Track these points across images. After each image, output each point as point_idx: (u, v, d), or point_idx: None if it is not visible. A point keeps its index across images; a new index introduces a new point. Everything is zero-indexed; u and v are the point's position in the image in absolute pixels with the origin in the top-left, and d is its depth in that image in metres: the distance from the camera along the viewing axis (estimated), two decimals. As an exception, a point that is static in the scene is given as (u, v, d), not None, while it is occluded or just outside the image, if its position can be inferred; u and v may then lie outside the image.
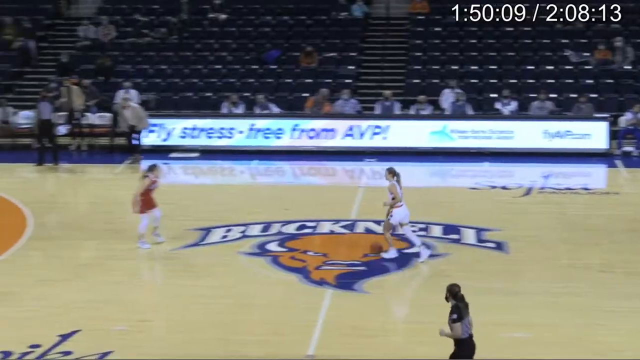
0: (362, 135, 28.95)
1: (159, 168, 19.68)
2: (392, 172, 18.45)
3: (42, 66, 33.16)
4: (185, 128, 29.14)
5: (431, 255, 18.69)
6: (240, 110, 29.69)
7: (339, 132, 28.98)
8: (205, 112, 29.97)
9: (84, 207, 23.83)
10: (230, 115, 29.50)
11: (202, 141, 29.03)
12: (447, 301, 12.06)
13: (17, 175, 26.79)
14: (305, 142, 28.89)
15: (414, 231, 19.92)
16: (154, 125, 28.85)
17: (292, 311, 15.94)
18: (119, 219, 21.53)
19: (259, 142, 28.94)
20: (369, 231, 20.53)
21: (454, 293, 12.00)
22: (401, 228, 18.61)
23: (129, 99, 28.17)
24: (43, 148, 27.20)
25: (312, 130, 28.99)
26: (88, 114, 29.55)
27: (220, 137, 29.06)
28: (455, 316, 11.80)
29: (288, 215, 21.52)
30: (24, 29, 33.59)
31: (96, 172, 27.14)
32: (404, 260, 18.49)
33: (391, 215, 18.37)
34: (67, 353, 14.25)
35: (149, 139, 28.58)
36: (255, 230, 20.50)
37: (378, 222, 20.85)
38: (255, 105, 29.71)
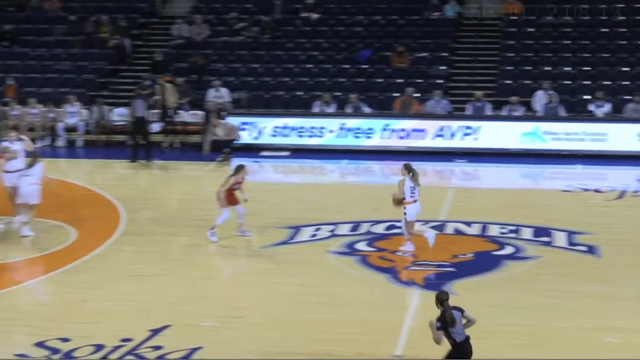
0: (452, 135, 28.81)
1: (246, 169, 19.88)
2: (407, 168, 18.81)
3: (137, 64, 33.62)
4: (276, 127, 29.31)
5: (521, 258, 18.57)
6: (331, 109, 29.76)
7: (430, 133, 28.88)
8: (296, 111, 30.11)
9: (176, 204, 24.09)
10: (320, 115, 29.59)
11: (293, 140, 29.18)
12: (437, 308, 12.28)
13: (111, 172, 27.20)
14: (395, 142, 28.85)
15: (503, 233, 19.85)
16: (245, 123, 29.08)
17: (380, 311, 15.93)
18: (209, 216, 21.71)
19: (349, 141, 28.98)
20: (458, 232, 20.43)
21: (441, 300, 12.28)
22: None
23: (218, 121, 28.20)
24: (137, 145, 27.59)
25: (403, 130, 28.94)
26: (181, 112, 29.89)
27: (310, 136, 29.18)
28: (439, 324, 12.13)
29: (377, 215, 21.50)
30: (119, 28, 34.10)
31: (188, 169, 27.42)
32: (494, 262, 18.36)
33: (405, 213, 18.60)
34: (158, 347, 14.43)
35: (240, 137, 28.75)
36: (345, 229, 20.52)
37: (468, 224, 20.78)
38: (347, 104, 29.75)
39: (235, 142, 27.88)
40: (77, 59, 33.31)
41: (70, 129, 29.93)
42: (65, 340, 14.77)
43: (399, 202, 18.74)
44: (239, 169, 19.77)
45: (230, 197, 19.49)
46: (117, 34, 33.87)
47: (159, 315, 15.77)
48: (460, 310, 12.42)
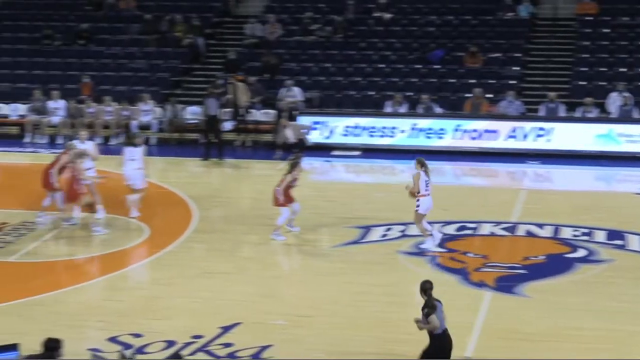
0: (525, 137, 28.58)
1: (300, 165, 19.99)
2: (420, 162, 19.19)
3: (210, 63, 33.86)
4: (348, 126, 29.31)
5: (594, 261, 18.38)
6: (403, 109, 29.70)
7: (502, 134, 28.67)
8: (367, 111, 30.09)
9: (247, 202, 24.21)
10: (392, 115, 29.53)
11: (364, 140, 29.14)
12: (422, 297, 12.73)
13: (184, 170, 27.35)
14: (467, 143, 28.69)
15: (575, 236, 19.71)
16: (317, 123, 29.13)
17: (450, 312, 15.77)
18: (275, 215, 21.81)
19: (421, 141, 28.85)
20: (530, 234, 20.28)
21: (424, 289, 12.75)
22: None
23: (287, 122, 28.26)
24: (209, 143, 27.79)
25: (475, 131, 28.77)
26: (253, 111, 30.04)
27: (382, 136, 29.12)
28: (426, 310, 12.45)
29: (448, 215, 21.41)
30: (193, 27, 34.35)
31: (259, 168, 27.52)
32: (566, 264, 18.19)
33: (418, 206, 18.85)
34: (228, 345, 14.54)
35: (311, 137, 28.84)
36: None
37: (540, 226, 20.62)
38: (419, 104, 29.67)
39: (304, 143, 27.92)
40: (151, 57, 33.64)
41: (143, 127, 30.21)
42: (137, 335, 14.94)
43: (413, 195, 18.81)
44: (294, 165, 19.91)
45: (287, 196, 19.62)
46: (191, 33, 34.12)
47: (230, 313, 15.88)
48: (440, 304, 12.64)
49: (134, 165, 21.15)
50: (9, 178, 26.51)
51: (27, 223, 20.86)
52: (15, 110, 30.94)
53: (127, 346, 14.38)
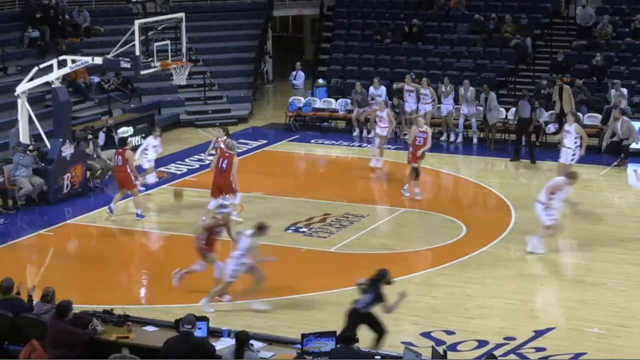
0: None
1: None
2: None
3: (537, 64, 33.52)
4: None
5: None
6: None
7: None
8: None
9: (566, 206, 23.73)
10: None
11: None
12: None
13: (503, 170, 27.05)
14: None
15: None
16: (645, 127, 28.15)
17: None
18: (597, 222, 21.38)
19: None
20: None
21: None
22: None
23: (623, 111, 27.48)
24: (520, 145, 27.47)
25: None
26: (579, 114, 29.42)
27: None
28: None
29: None
30: (522, 27, 34.14)
31: (581, 173, 26.86)
32: None
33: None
34: (541, 349, 14.45)
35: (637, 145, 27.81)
36: None
37: None
38: None
39: (630, 146, 27.02)
40: (478, 57, 33.72)
41: (467, 126, 30.30)
42: (450, 333, 15.15)
43: None
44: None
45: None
46: (520, 33, 33.92)
47: (544, 317, 15.79)
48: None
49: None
50: (334, 170, 27.41)
51: (350, 215, 21.53)
52: (344, 105, 31.97)
53: (440, 342, 14.59)
